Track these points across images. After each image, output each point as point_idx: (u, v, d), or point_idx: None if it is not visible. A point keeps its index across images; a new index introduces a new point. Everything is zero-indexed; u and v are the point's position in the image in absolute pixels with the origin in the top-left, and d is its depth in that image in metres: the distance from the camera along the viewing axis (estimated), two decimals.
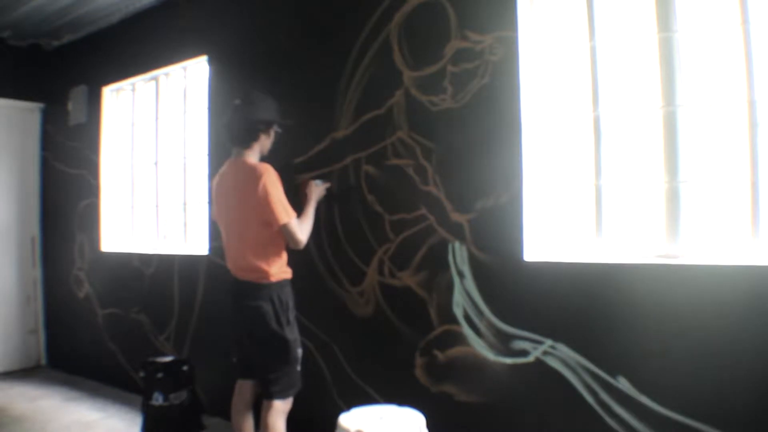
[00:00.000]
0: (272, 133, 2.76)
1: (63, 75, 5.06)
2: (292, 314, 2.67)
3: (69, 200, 4.97)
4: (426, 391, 2.73)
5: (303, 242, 2.65)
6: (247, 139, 2.67)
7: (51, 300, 5.21)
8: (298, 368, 2.66)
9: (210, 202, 3.74)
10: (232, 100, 2.72)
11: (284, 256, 2.71)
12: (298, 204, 2.80)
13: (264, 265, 2.60)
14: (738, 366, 1.97)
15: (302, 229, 2.66)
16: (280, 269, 2.66)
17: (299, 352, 2.66)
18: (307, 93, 3.25)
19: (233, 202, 2.67)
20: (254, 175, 2.56)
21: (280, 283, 2.65)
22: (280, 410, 2.60)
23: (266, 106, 2.72)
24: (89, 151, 4.76)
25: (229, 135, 2.71)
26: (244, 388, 2.76)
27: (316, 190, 2.95)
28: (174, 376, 3.37)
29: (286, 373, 2.61)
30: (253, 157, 2.69)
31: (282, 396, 2.60)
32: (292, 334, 2.64)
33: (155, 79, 4.37)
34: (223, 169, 2.77)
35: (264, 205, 2.54)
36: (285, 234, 2.61)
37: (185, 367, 3.45)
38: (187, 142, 4.14)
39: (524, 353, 2.45)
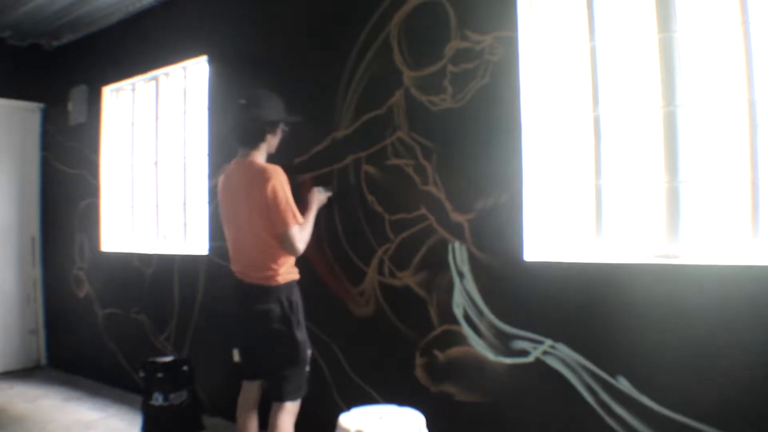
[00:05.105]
0: (279, 132, 2.74)
1: (63, 75, 5.06)
2: (301, 315, 2.66)
3: (69, 200, 4.97)
4: (426, 391, 2.73)
5: (300, 251, 2.60)
6: (253, 140, 2.66)
7: (51, 300, 5.21)
8: (307, 369, 2.66)
9: (211, 201, 3.75)
10: (236, 99, 2.70)
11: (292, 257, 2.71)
12: (299, 205, 2.79)
13: (274, 265, 2.59)
14: (738, 366, 1.96)
15: (302, 237, 2.61)
16: (288, 270, 2.65)
17: (308, 353, 2.66)
18: (307, 93, 3.25)
19: (241, 202, 2.64)
20: (263, 177, 2.55)
21: (289, 285, 2.64)
22: (290, 411, 2.60)
23: (272, 105, 2.70)
24: (89, 151, 4.76)
25: (235, 136, 2.69)
26: (250, 389, 2.77)
27: (318, 196, 2.92)
28: (174, 376, 3.38)
29: (296, 374, 2.61)
30: (260, 157, 2.68)
31: (293, 397, 2.60)
32: (302, 335, 2.63)
33: (155, 79, 4.37)
34: (229, 168, 2.75)
35: (271, 206, 2.53)
36: (283, 240, 2.56)
37: (185, 367, 3.45)
38: (187, 142, 4.14)
39: (524, 353, 2.45)
